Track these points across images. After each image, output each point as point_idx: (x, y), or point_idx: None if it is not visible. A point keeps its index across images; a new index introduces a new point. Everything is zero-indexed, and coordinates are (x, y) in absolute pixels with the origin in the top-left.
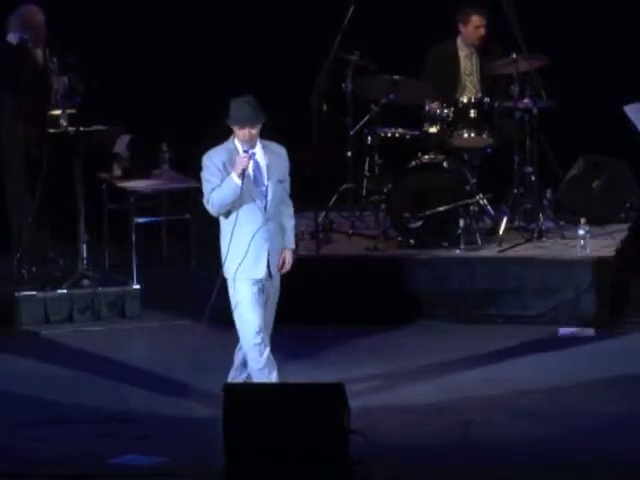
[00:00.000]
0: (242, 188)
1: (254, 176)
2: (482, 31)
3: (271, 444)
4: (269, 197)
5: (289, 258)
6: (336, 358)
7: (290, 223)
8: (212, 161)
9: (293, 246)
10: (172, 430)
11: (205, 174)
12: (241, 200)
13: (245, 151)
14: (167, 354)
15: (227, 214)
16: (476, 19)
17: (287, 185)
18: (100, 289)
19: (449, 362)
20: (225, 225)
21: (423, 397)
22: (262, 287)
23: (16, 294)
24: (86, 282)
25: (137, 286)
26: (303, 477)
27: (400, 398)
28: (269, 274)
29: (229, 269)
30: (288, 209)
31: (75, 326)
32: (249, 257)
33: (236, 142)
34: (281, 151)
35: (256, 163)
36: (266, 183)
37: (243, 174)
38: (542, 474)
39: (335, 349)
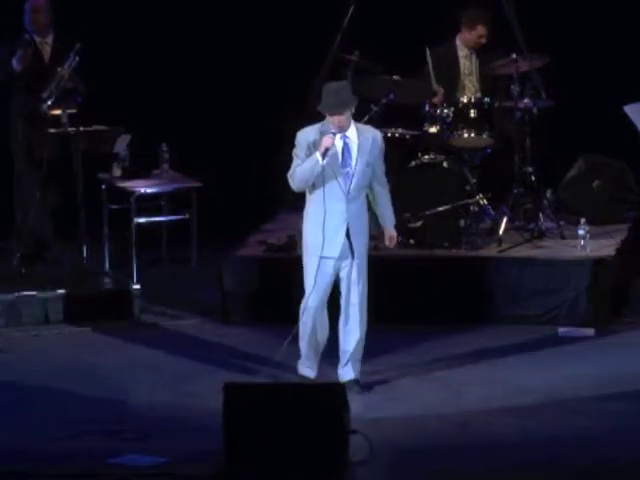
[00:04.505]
0: (324, 167)
1: (342, 157)
2: (484, 41)
3: (271, 444)
4: (354, 179)
5: (395, 236)
6: (335, 358)
7: (389, 200)
8: (305, 138)
9: (394, 223)
10: (172, 430)
11: (296, 150)
12: (325, 179)
13: (333, 133)
14: (167, 354)
15: (311, 191)
16: (481, 29)
17: (381, 167)
18: (100, 289)
19: (449, 362)
20: (309, 201)
21: (423, 397)
22: (334, 267)
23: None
24: (87, 282)
25: (137, 286)
26: (303, 477)
27: (400, 398)
28: (352, 254)
29: (305, 244)
30: (384, 190)
31: (74, 326)
32: (324, 235)
33: (330, 125)
34: (375, 135)
35: (347, 145)
36: (354, 165)
37: (325, 153)
38: (542, 474)
39: (334, 349)
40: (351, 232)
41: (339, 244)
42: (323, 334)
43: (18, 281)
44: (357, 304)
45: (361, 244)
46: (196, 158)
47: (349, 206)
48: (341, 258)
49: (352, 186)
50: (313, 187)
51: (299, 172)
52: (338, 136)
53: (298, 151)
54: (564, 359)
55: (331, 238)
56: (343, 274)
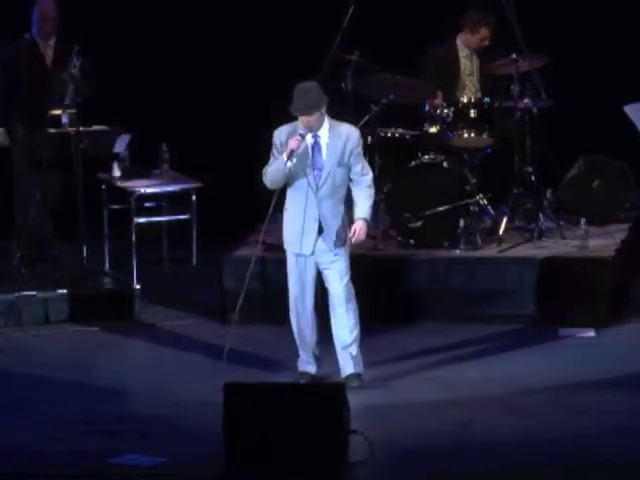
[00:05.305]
0: (290, 169)
1: (312, 156)
2: (486, 43)
3: (271, 444)
4: (324, 178)
5: (359, 228)
6: (336, 358)
7: (365, 194)
8: (279, 137)
9: (365, 216)
10: (172, 430)
11: (273, 149)
12: (296, 178)
13: (301, 134)
14: (167, 354)
15: (287, 189)
16: (485, 32)
17: (359, 163)
18: (100, 289)
19: (449, 362)
20: (286, 199)
21: (423, 397)
22: (311, 264)
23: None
24: (87, 282)
25: (137, 286)
26: (303, 477)
27: (400, 398)
28: (333, 246)
29: (284, 241)
30: (363, 183)
31: (75, 326)
32: (296, 233)
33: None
34: (349, 133)
35: (317, 144)
36: (323, 164)
37: (291, 155)
38: (542, 474)
39: (335, 349)
40: (325, 229)
41: (311, 242)
42: (311, 331)
43: (18, 281)
44: (343, 299)
45: (341, 237)
46: (196, 158)
47: (321, 205)
48: (317, 255)
49: (322, 185)
50: (289, 186)
51: (269, 172)
52: (309, 135)
53: (273, 149)
54: (564, 359)
55: (303, 236)
56: (326, 271)
